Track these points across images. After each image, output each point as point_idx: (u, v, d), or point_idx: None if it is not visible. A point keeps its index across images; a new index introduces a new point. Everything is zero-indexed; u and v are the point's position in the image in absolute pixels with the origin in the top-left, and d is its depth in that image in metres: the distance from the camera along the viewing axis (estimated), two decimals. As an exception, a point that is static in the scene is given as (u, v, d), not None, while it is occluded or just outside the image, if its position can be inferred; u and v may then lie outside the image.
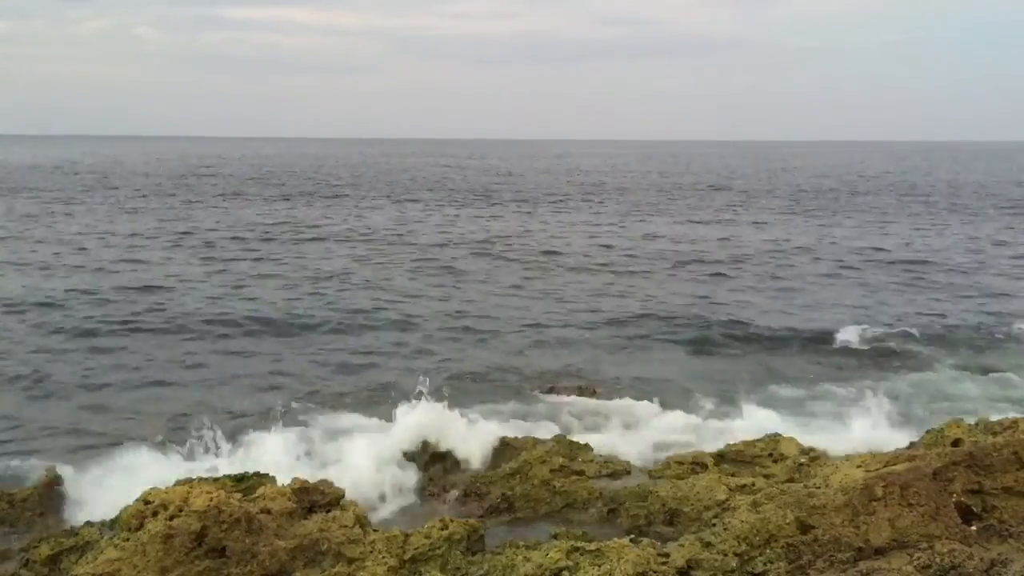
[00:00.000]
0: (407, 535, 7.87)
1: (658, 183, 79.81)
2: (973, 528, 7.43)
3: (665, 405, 14.57)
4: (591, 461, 10.97)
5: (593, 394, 15.20)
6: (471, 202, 56.93)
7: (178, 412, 14.36)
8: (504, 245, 34.58)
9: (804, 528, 7.33)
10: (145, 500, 7.84)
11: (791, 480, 9.35)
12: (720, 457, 10.89)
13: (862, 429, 12.91)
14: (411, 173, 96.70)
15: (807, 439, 11.64)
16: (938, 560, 6.60)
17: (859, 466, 8.17)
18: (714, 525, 7.86)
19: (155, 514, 7.63)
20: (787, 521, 7.36)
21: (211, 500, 7.60)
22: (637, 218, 46.86)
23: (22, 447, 12.72)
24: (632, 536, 7.82)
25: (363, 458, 11.64)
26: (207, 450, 12.47)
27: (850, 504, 7.32)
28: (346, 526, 7.93)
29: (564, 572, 7.04)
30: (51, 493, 10.33)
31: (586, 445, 11.74)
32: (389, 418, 14.09)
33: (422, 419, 13.63)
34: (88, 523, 8.85)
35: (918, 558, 6.66)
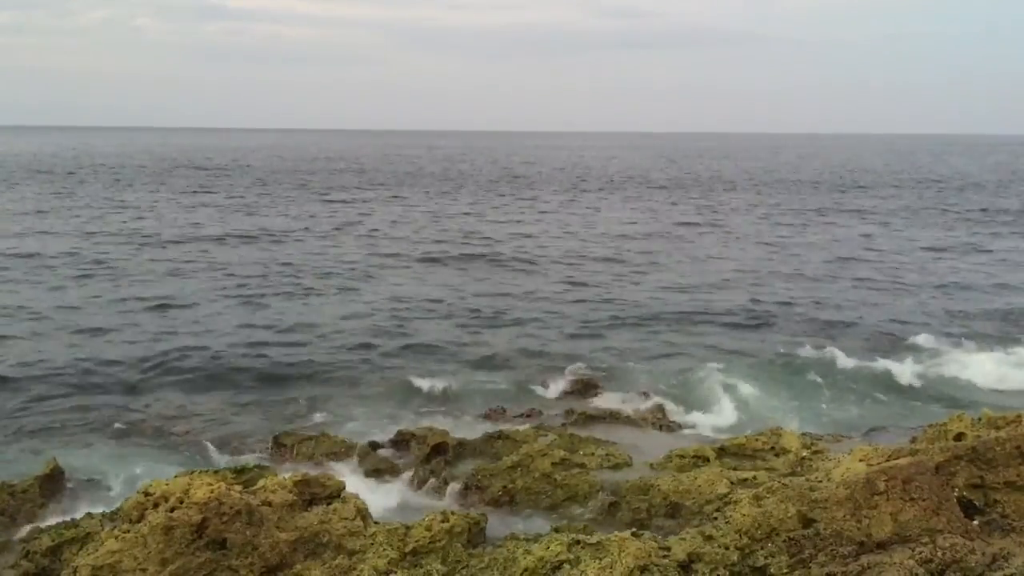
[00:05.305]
0: (408, 528, 7.86)
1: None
2: (975, 522, 7.41)
3: (668, 399, 14.56)
4: (592, 454, 10.94)
5: (594, 388, 15.18)
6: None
7: (180, 404, 14.36)
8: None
9: (806, 522, 7.30)
10: (146, 492, 7.82)
11: (793, 474, 9.33)
12: (722, 451, 10.86)
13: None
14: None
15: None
16: (940, 554, 6.58)
17: (861, 460, 8.13)
18: (715, 519, 7.85)
19: (156, 506, 7.62)
20: (789, 515, 7.34)
21: (212, 492, 7.58)
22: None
23: (23, 439, 12.71)
24: (633, 529, 7.81)
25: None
26: (206, 444, 12.50)
27: (852, 498, 7.29)
28: (347, 518, 7.91)
29: (565, 565, 7.02)
30: (52, 484, 10.33)
31: (587, 438, 11.72)
32: (391, 413, 14.13)
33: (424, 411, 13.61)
34: (89, 514, 8.84)
35: (920, 552, 6.64)
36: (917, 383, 15.66)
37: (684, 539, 7.36)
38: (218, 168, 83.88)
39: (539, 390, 15.21)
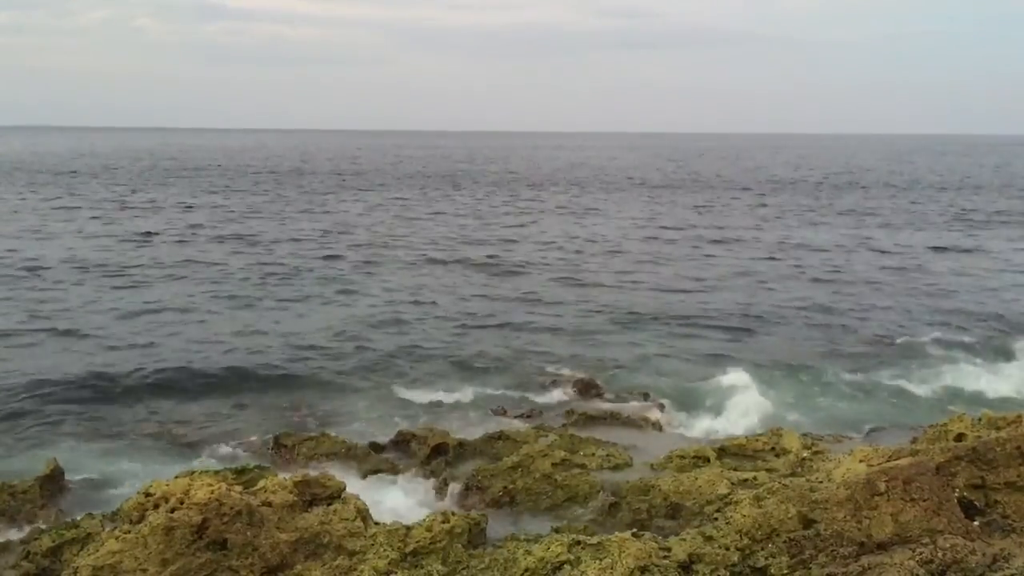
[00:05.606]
0: (408, 528, 7.85)
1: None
2: (976, 523, 7.40)
3: (668, 399, 14.56)
4: (593, 455, 10.94)
5: (595, 388, 15.18)
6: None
7: (181, 405, 14.35)
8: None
9: (806, 523, 7.29)
10: (146, 492, 7.82)
11: (793, 474, 9.33)
12: (722, 451, 10.85)
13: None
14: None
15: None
16: (940, 555, 6.57)
17: (862, 460, 8.12)
18: (716, 519, 7.84)
19: (156, 506, 7.61)
20: (789, 515, 7.33)
21: (212, 493, 7.58)
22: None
23: (23, 440, 12.71)
24: (634, 530, 7.80)
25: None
26: (207, 444, 12.48)
27: (852, 498, 7.28)
28: (347, 519, 7.91)
29: (565, 566, 7.02)
30: (52, 484, 10.32)
31: (588, 439, 11.71)
32: (392, 413, 14.12)
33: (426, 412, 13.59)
34: (89, 515, 8.84)
35: (920, 553, 6.64)
36: (917, 384, 15.66)
37: (684, 540, 7.36)
38: (218, 169, 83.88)
39: (539, 391, 15.21)
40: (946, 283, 25.95)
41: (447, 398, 14.67)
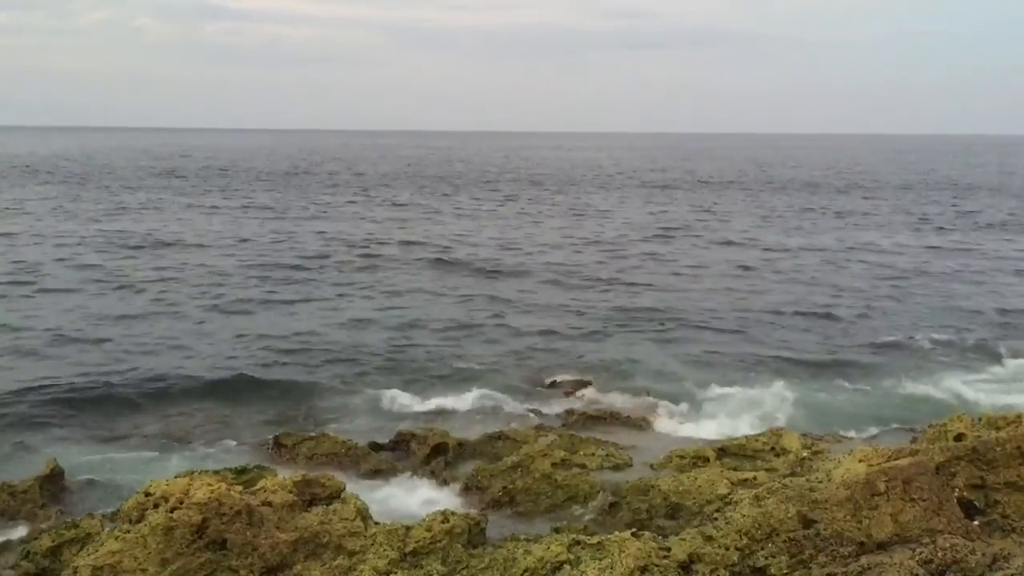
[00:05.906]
0: (408, 528, 7.86)
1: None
2: (975, 523, 7.41)
3: (668, 399, 14.55)
4: (592, 454, 10.95)
5: (594, 388, 15.17)
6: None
7: (181, 405, 14.35)
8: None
9: (806, 522, 7.30)
10: (146, 492, 7.83)
11: (793, 474, 9.33)
12: (722, 451, 10.86)
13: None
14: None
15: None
16: (940, 555, 6.58)
17: (861, 460, 8.12)
18: (716, 519, 7.85)
19: (156, 506, 7.63)
20: (789, 515, 7.34)
21: (212, 492, 7.58)
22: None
23: (23, 441, 12.70)
24: (633, 530, 7.81)
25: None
26: (207, 444, 12.48)
27: (852, 498, 7.29)
28: (347, 519, 7.92)
29: (565, 566, 7.03)
30: (52, 485, 10.32)
31: (587, 439, 11.72)
32: (392, 413, 14.12)
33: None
34: (89, 515, 8.84)
35: (920, 553, 6.65)
36: (917, 384, 15.66)
37: (684, 539, 7.36)
38: (216, 169, 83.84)
39: (539, 391, 15.20)
40: (945, 284, 25.94)
41: (447, 398, 14.66)
